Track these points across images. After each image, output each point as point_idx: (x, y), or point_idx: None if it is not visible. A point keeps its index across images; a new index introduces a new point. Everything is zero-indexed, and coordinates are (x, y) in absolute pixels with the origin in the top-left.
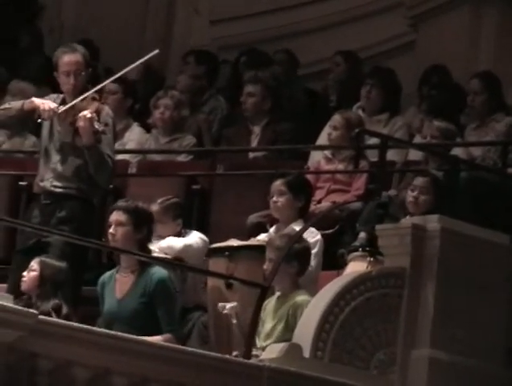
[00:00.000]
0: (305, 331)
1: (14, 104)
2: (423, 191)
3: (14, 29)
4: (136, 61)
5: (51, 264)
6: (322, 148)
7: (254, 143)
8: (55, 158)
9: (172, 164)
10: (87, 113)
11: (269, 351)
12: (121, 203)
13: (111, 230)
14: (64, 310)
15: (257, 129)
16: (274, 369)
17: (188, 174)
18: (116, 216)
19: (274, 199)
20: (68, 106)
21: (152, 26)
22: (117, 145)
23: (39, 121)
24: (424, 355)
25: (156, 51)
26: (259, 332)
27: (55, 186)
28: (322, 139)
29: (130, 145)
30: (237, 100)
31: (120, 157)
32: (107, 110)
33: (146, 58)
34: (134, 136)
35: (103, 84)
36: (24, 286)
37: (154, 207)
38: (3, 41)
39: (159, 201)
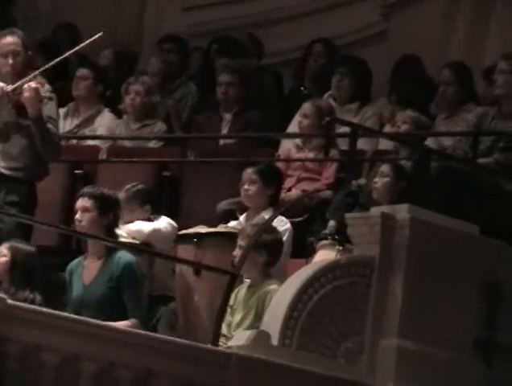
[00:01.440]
0: (273, 319)
1: None
2: (384, 177)
3: None
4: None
5: (22, 248)
6: (292, 136)
7: (225, 130)
8: (1, 138)
9: (143, 150)
10: (32, 84)
11: (237, 338)
12: (87, 189)
13: (77, 216)
14: (37, 299)
15: (228, 117)
16: (242, 356)
17: (159, 161)
18: (82, 202)
19: (246, 187)
20: (17, 84)
21: (125, 13)
22: (88, 131)
23: None
24: (392, 344)
25: (101, 34)
26: (230, 322)
27: (3, 167)
28: (293, 127)
29: (101, 131)
30: (208, 86)
31: (90, 142)
32: (48, 86)
33: (90, 40)
34: (105, 121)
35: (48, 65)
36: None
37: (121, 195)
38: None
39: (125, 189)
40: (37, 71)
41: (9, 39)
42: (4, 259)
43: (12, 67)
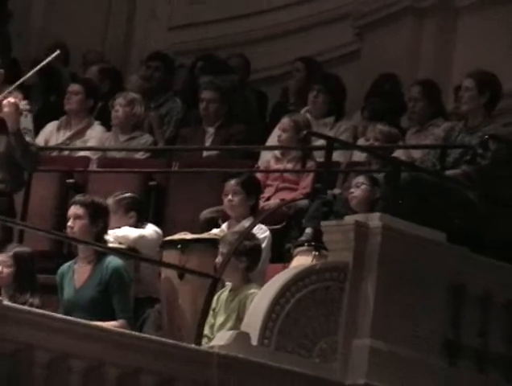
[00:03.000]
0: (253, 320)
1: None
2: (360, 187)
3: None
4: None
5: (24, 254)
6: (272, 148)
7: (208, 143)
8: None
9: (130, 161)
10: (10, 99)
11: (219, 338)
12: (78, 197)
13: (69, 223)
14: (36, 302)
15: (211, 130)
16: (224, 355)
17: (145, 171)
18: (74, 210)
19: (229, 197)
20: None
21: (113, 31)
22: (79, 142)
23: None
24: (365, 344)
25: (57, 52)
26: (213, 323)
27: None
28: (272, 140)
29: (91, 143)
30: (192, 102)
31: (81, 153)
32: (24, 100)
33: (49, 59)
34: (95, 134)
35: (19, 81)
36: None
37: (109, 201)
38: None
39: (114, 195)
40: (11, 87)
41: None
42: (10, 270)
43: None
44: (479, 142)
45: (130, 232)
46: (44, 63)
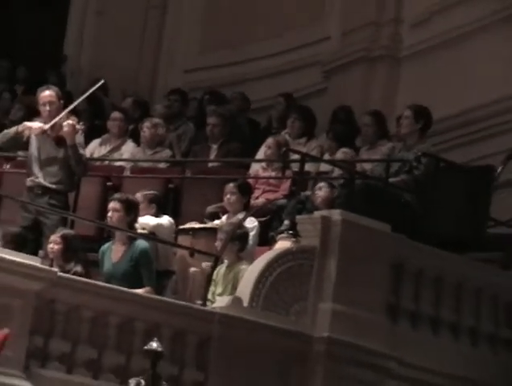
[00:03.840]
0: (245, 288)
1: (11, 129)
2: (322, 190)
3: (44, 72)
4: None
5: (69, 235)
6: (259, 161)
7: (212, 156)
8: (43, 162)
9: (154, 169)
10: (69, 121)
11: (219, 301)
12: (116, 195)
13: (109, 214)
14: (79, 270)
15: (214, 147)
16: (223, 314)
17: (165, 177)
18: (113, 205)
19: (228, 196)
20: (52, 123)
21: (143, 72)
22: (116, 155)
23: (28, 137)
24: (328, 307)
25: (101, 82)
26: (214, 291)
27: (47, 182)
28: (260, 154)
29: (125, 155)
30: (201, 125)
31: (118, 163)
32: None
33: (94, 88)
34: (129, 149)
35: (69, 108)
36: (52, 254)
37: (138, 195)
38: (37, 81)
39: (141, 191)
40: (64, 112)
41: (47, 92)
42: (59, 246)
43: (49, 112)
44: (414, 158)
45: (150, 220)
46: (91, 91)
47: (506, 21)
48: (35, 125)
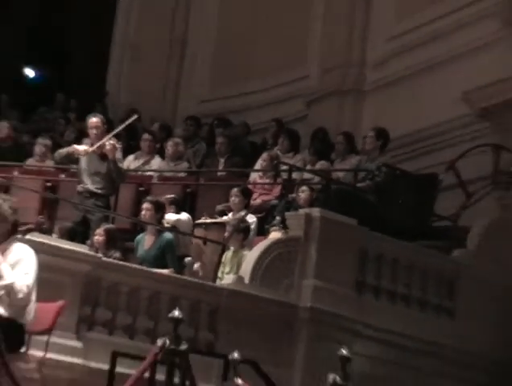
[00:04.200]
0: (246, 269)
1: (64, 149)
2: (304, 192)
3: (92, 103)
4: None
5: (111, 229)
6: (257, 171)
7: (220, 167)
8: (90, 172)
9: (176, 178)
10: (111, 142)
11: (226, 279)
12: (148, 198)
13: (143, 212)
14: (118, 255)
15: (222, 160)
16: (230, 289)
17: (184, 183)
18: (145, 205)
19: (233, 198)
20: (98, 144)
21: (168, 102)
22: (147, 167)
23: (78, 156)
24: (310, 283)
25: (135, 116)
26: (223, 271)
27: (94, 188)
28: (257, 166)
29: (154, 167)
30: (212, 144)
31: (148, 173)
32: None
33: (130, 120)
34: (156, 162)
35: (112, 133)
36: (97, 244)
37: (162, 198)
38: (86, 110)
39: (164, 196)
40: (108, 136)
41: (94, 119)
42: (102, 238)
43: (96, 135)
44: (376, 168)
45: (171, 217)
46: (128, 122)
47: (448, 62)
48: (81, 147)
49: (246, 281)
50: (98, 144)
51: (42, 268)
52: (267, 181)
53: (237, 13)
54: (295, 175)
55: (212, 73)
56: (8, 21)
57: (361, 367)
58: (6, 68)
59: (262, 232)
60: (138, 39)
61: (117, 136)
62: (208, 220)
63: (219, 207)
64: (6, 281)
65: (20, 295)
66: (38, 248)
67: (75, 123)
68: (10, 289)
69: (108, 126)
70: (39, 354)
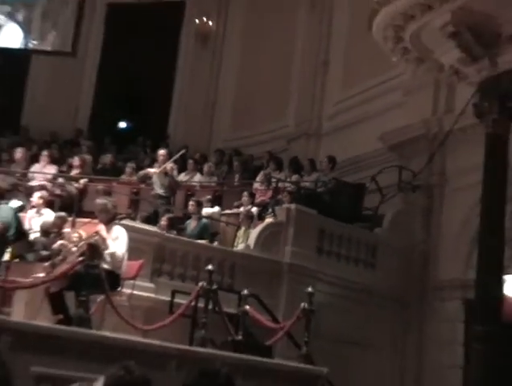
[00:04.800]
0: (252, 240)
1: (143, 171)
2: (286, 196)
3: (159, 142)
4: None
5: (171, 217)
6: (257, 182)
7: (236, 180)
8: (159, 184)
9: (209, 186)
10: (171, 165)
11: (240, 246)
12: (193, 198)
13: (189, 207)
14: (175, 233)
15: (237, 176)
16: (241, 253)
17: (215, 189)
18: (191, 203)
19: (244, 198)
20: (161, 168)
21: (204, 139)
22: (191, 180)
23: (151, 175)
24: (289, 249)
25: (183, 151)
26: (237, 242)
27: (161, 192)
28: (257, 179)
29: (196, 180)
30: (231, 166)
31: (193, 184)
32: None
33: (181, 153)
34: (197, 177)
35: (170, 160)
36: (163, 227)
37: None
38: (155, 146)
39: (203, 197)
40: (169, 162)
41: (161, 151)
42: (166, 223)
43: (162, 161)
44: (328, 180)
45: (207, 210)
46: (180, 154)
47: (372, 117)
48: (152, 169)
49: (252, 247)
50: (163, 167)
51: (130, 240)
52: (263, 188)
53: (246, 83)
54: (280, 184)
55: (231, 122)
56: (110, 90)
57: (320, 299)
58: (109, 121)
59: (261, 218)
60: (187, 100)
61: (174, 161)
62: (229, 211)
63: (235, 204)
64: (110, 250)
65: (118, 258)
66: (128, 228)
67: (150, 154)
68: (112, 255)
69: (169, 156)
70: (128, 291)
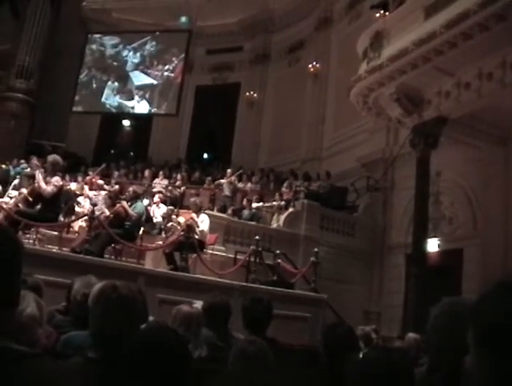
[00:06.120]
0: (281, 222)
1: (217, 182)
2: (302, 198)
3: (226, 165)
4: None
5: (237, 209)
6: (284, 187)
7: (271, 187)
8: (227, 190)
9: (256, 190)
10: (233, 178)
11: (274, 226)
12: (247, 197)
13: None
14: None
15: (271, 185)
16: (275, 229)
17: (259, 192)
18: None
19: (276, 197)
20: (226, 181)
21: (252, 162)
22: (244, 186)
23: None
24: (303, 227)
25: (241, 171)
26: (273, 223)
27: (228, 194)
28: (284, 186)
29: (248, 187)
30: (268, 179)
31: (247, 189)
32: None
33: (239, 172)
34: (248, 185)
35: (233, 175)
36: (230, 214)
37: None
38: (225, 168)
39: (253, 196)
40: (233, 176)
41: (228, 170)
42: (231, 212)
43: (228, 176)
44: (326, 185)
45: (255, 204)
46: (238, 172)
47: (352, 147)
48: (222, 181)
49: (281, 225)
50: (229, 179)
51: (210, 222)
52: (288, 191)
53: (276, 129)
54: (297, 189)
55: (268, 152)
56: (198, 136)
57: (322, 255)
58: (197, 153)
59: (286, 208)
60: (242, 139)
61: (236, 176)
62: (268, 204)
63: (271, 200)
64: (199, 228)
65: (204, 233)
66: (209, 215)
67: (220, 172)
68: (201, 231)
69: (232, 173)
70: (210, 252)
